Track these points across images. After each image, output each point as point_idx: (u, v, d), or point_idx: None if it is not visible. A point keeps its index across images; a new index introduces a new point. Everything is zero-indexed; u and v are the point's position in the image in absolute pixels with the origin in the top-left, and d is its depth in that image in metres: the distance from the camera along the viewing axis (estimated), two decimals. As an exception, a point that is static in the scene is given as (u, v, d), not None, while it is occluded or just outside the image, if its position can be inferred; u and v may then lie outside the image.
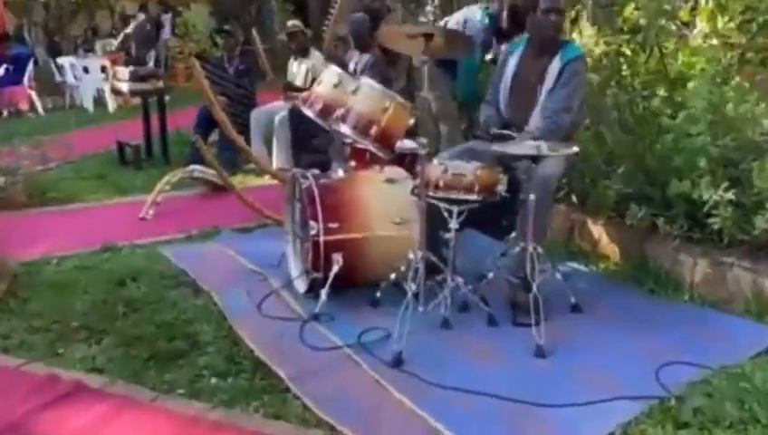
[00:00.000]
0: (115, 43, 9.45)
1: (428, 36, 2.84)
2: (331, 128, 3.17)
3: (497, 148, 2.81)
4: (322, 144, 4.81)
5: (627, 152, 3.39)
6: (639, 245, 3.39)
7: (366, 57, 5.22)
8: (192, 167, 5.12)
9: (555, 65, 3.16)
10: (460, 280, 2.91)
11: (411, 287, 2.83)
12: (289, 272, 3.38)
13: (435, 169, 2.78)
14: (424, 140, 2.74)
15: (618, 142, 3.44)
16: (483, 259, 3.31)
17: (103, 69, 9.61)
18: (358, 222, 3.08)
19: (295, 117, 5.49)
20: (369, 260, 3.11)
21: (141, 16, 16.33)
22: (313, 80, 5.76)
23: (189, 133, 7.14)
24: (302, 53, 5.99)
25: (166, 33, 16.49)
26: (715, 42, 3.51)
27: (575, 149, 2.74)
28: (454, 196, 2.78)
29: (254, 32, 6.11)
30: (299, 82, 5.99)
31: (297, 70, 6.05)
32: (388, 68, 5.16)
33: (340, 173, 3.17)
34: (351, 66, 5.28)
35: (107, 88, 9.11)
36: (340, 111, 2.96)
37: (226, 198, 4.88)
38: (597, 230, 3.63)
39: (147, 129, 6.44)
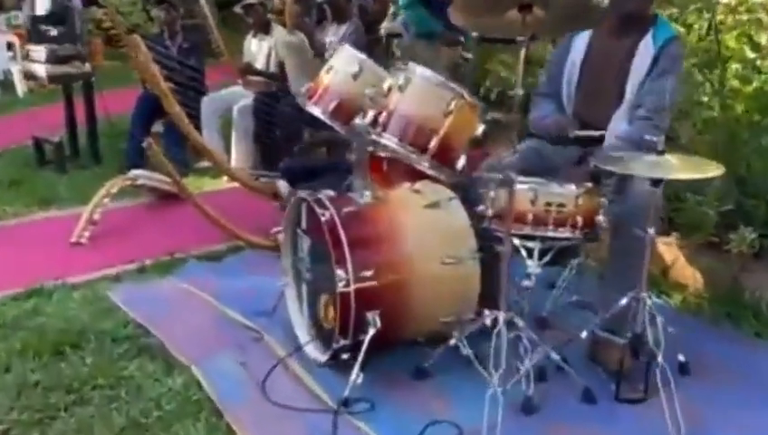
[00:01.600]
0: (22, 16, 8.06)
1: (526, 7, 1.81)
2: (350, 135, 2.31)
3: (601, 163, 2.02)
4: (305, 142, 3.92)
5: (717, 158, 2.68)
6: (731, 272, 2.72)
7: (344, 28, 4.35)
8: (135, 173, 4.10)
9: (646, 49, 2.39)
10: (548, 349, 2.14)
11: (470, 352, 2.09)
12: (291, 325, 2.53)
13: (520, 198, 1.98)
14: (507, 156, 1.93)
15: (704, 145, 2.73)
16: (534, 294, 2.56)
17: (9, 46, 8.21)
18: (397, 266, 2.24)
19: (261, 106, 4.56)
20: (412, 315, 2.29)
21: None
22: (282, 63, 4.87)
23: (122, 122, 6.07)
24: (263, 29, 5.01)
25: (76, 1, 14.81)
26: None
27: (718, 170, 1.96)
28: (547, 233, 1.99)
29: (202, 1, 5.06)
30: (259, 65, 5.02)
31: (257, 49, 5.07)
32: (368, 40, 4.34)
33: (366, 197, 2.30)
34: (328, 41, 4.39)
35: (15, 69, 7.75)
36: (371, 114, 2.10)
37: (180, 209, 3.93)
38: (670, 252, 2.94)
39: (70, 121, 5.29)
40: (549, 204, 1.96)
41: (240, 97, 4.96)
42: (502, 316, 2.06)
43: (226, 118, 5.07)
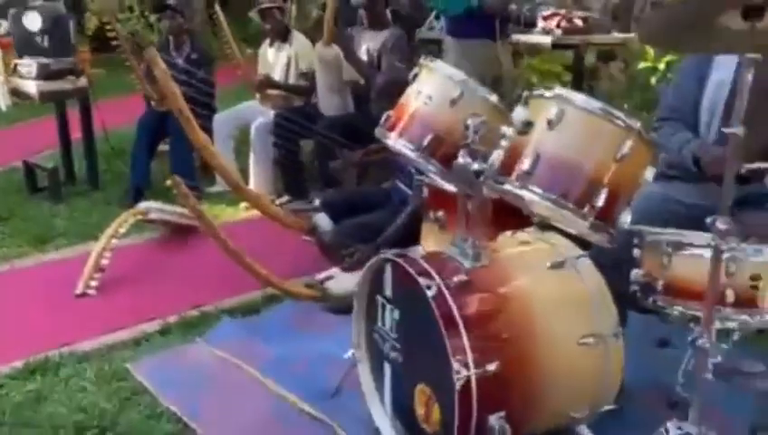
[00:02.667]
0: (5, 23, 7.44)
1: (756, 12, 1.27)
2: (456, 180, 1.80)
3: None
4: (341, 166, 3.39)
5: None
6: None
7: (386, 34, 3.82)
8: (146, 206, 3.54)
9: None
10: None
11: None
12: (368, 415, 2.01)
13: (704, 267, 1.46)
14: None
15: None
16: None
17: (-10, 56, 7.60)
18: (526, 352, 1.72)
19: (284, 124, 4.03)
20: (540, 412, 1.77)
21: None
22: (306, 74, 4.35)
23: (120, 139, 5.50)
24: (281, 37, 4.47)
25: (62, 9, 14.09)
26: None
27: None
28: (741, 317, 1.49)
29: (216, 7, 4.51)
30: (276, 76, 4.48)
31: (274, 59, 4.53)
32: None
33: (473, 256, 1.78)
34: (364, 49, 3.87)
35: (-2, 81, 7.16)
36: (498, 155, 1.57)
37: (199, 245, 3.42)
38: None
39: (65, 142, 4.72)
40: (756, 277, 1.46)
41: (257, 113, 4.43)
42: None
43: (241, 136, 4.54)
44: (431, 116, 1.88)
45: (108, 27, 4.13)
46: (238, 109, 4.55)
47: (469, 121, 1.82)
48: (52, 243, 3.75)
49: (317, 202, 3.46)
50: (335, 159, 3.62)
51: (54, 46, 4.11)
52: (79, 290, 3.01)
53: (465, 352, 1.62)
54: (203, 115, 4.41)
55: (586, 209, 1.43)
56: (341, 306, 2.82)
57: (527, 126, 1.50)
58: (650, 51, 3.81)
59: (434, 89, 1.90)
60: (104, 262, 3.13)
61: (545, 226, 1.95)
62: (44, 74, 4.12)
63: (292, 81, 4.46)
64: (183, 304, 2.89)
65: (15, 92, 4.30)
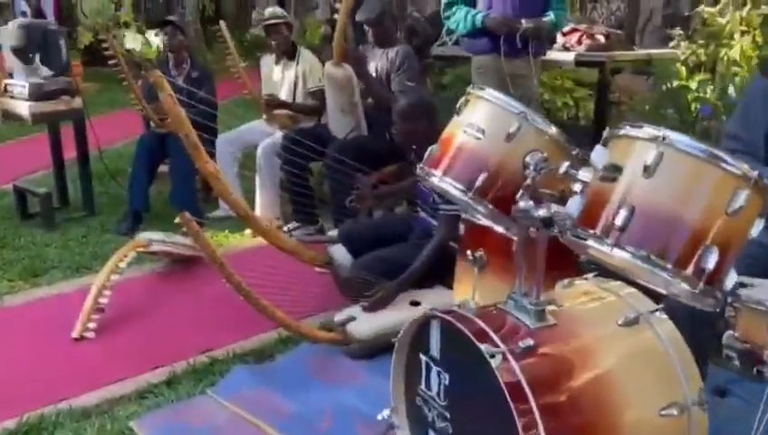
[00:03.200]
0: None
1: None
2: (513, 230, 1.58)
3: None
4: (360, 196, 3.15)
5: None
6: None
7: (394, 52, 3.61)
8: (148, 237, 3.29)
9: None
10: None
11: None
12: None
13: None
14: None
15: None
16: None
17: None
18: (600, 427, 1.49)
19: (291, 147, 3.80)
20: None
21: (21, 4, 13.57)
22: (314, 92, 4.13)
23: (114, 158, 5.27)
24: (288, 54, 4.25)
25: (49, 17, 13.69)
26: None
27: None
28: None
29: (222, 23, 4.27)
30: (284, 95, 4.26)
31: (279, 77, 4.31)
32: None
33: (542, 317, 1.55)
34: (372, 68, 3.65)
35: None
36: (578, 204, 1.35)
37: (205, 278, 3.18)
38: None
39: (58, 165, 4.47)
40: None
41: (262, 134, 4.20)
42: None
43: (245, 158, 4.31)
44: (484, 152, 1.65)
45: (104, 44, 3.88)
46: (242, 130, 4.32)
47: (528, 159, 1.61)
48: (46, 276, 3.50)
49: (330, 232, 3.23)
50: (346, 183, 3.38)
51: (46, 64, 3.86)
52: (76, 333, 2.75)
53: (537, 426, 1.39)
54: (205, 139, 4.18)
55: (690, 271, 1.21)
56: (365, 351, 2.59)
57: (614, 171, 1.27)
58: (682, 68, 3.62)
59: (486, 121, 1.67)
60: (103, 301, 2.88)
61: (603, 270, 1.74)
62: (37, 95, 3.87)
63: (299, 100, 4.25)
64: (191, 349, 2.65)
65: (5, 114, 4.03)
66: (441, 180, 1.73)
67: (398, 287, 2.69)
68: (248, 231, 3.96)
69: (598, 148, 1.36)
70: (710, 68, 3.80)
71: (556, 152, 1.68)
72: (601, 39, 3.94)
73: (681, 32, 3.96)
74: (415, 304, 2.67)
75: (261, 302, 2.54)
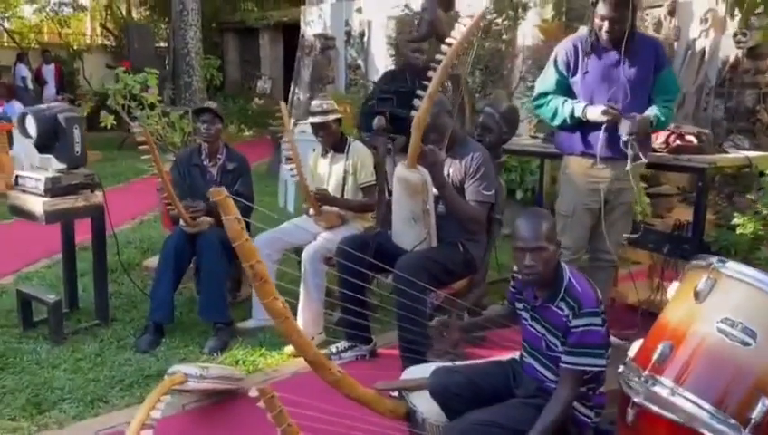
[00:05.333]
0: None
1: None
2: None
3: None
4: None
5: None
6: None
7: (467, 161, 3.14)
8: (184, 371, 2.72)
9: None
10: None
11: None
12: None
13: None
14: None
15: None
16: None
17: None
18: None
19: (349, 253, 3.26)
20: None
21: (23, 69, 13.24)
22: (367, 188, 3.68)
23: (130, 247, 4.76)
24: (337, 147, 3.79)
25: (50, 89, 13.29)
26: None
27: None
28: None
29: (282, 104, 3.81)
30: (331, 190, 3.78)
31: (326, 171, 3.84)
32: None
33: None
34: (444, 171, 3.18)
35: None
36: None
37: (235, 412, 2.59)
38: None
39: (69, 267, 3.91)
40: None
41: (306, 234, 3.67)
42: None
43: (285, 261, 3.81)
44: (752, 362, 1.13)
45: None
46: (284, 229, 3.79)
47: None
48: (52, 411, 2.90)
49: (406, 374, 2.64)
50: (420, 312, 2.86)
51: (60, 156, 3.35)
52: None
53: None
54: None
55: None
56: None
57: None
58: (789, 175, 3.18)
59: (752, 317, 1.16)
60: (131, 465, 2.29)
61: None
62: (53, 190, 3.36)
63: (349, 196, 3.77)
64: None
65: (15, 210, 3.51)
66: (669, 394, 1.20)
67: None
68: (289, 348, 3.41)
69: None
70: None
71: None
72: (693, 140, 3.49)
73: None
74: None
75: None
